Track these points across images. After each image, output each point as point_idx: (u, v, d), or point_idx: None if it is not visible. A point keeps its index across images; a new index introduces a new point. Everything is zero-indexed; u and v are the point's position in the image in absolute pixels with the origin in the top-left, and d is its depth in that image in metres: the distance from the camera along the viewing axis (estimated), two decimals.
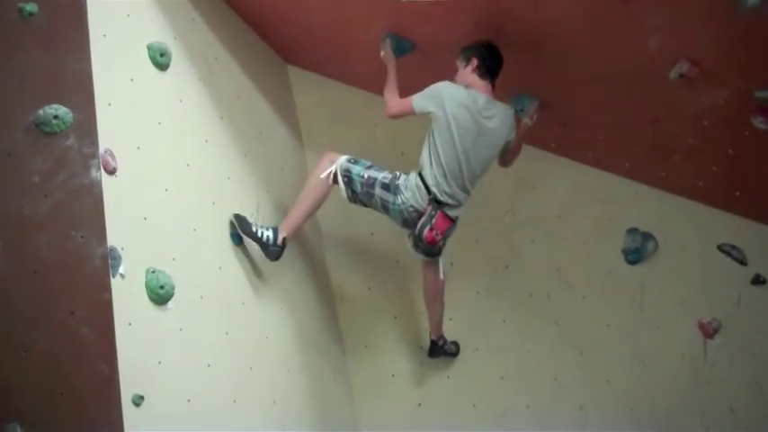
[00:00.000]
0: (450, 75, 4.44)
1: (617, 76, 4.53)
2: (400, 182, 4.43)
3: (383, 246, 5.26)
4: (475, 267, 5.33)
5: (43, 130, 3.40)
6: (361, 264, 5.34)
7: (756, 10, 3.79)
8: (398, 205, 4.41)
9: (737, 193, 4.98)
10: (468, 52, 4.42)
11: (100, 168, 3.43)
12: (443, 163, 4.33)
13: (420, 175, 4.40)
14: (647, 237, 5.22)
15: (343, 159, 4.52)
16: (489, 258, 5.35)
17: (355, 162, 4.52)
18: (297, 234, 4.58)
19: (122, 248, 3.40)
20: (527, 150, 5.23)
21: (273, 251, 4.36)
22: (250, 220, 4.36)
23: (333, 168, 4.48)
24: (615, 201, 5.28)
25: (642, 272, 5.24)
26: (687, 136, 4.76)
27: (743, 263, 5.12)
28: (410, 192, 4.39)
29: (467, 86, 4.39)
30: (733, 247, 5.16)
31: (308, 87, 5.50)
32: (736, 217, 5.15)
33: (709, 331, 5.10)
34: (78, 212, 3.36)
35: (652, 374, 5.12)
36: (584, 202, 5.32)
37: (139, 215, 3.64)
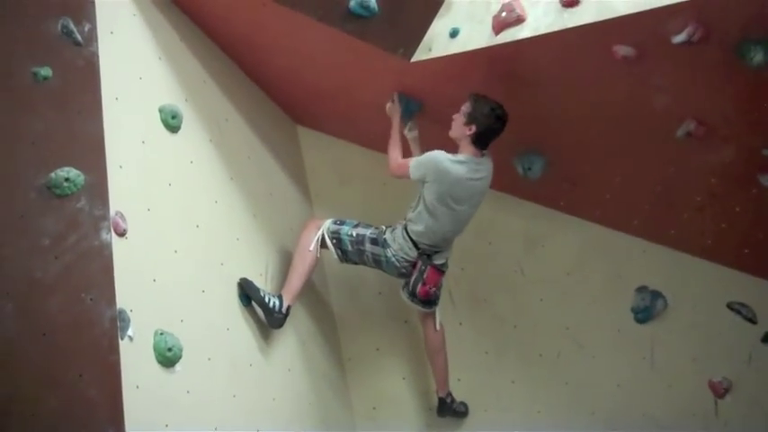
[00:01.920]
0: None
1: (624, 135, 4.57)
2: (387, 236, 4.54)
3: (391, 306, 5.24)
4: (483, 327, 5.29)
5: (54, 193, 3.43)
6: (369, 324, 5.31)
7: (762, 68, 3.83)
8: (390, 258, 4.51)
9: (746, 251, 4.97)
10: (474, 114, 4.35)
11: (110, 230, 3.45)
12: (434, 225, 4.43)
13: (406, 229, 4.50)
14: (656, 295, 5.19)
15: (329, 223, 4.64)
16: (498, 318, 5.32)
17: (342, 223, 4.63)
18: (301, 296, 4.62)
19: (131, 310, 3.40)
20: (535, 209, 5.29)
21: (278, 319, 4.38)
22: (258, 284, 4.37)
23: (319, 234, 4.60)
24: (624, 259, 5.26)
25: (652, 330, 5.20)
26: (695, 194, 4.77)
27: (753, 321, 5.08)
28: (398, 244, 4.50)
29: (458, 150, 4.44)
30: (742, 305, 5.12)
31: (317, 147, 5.53)
32: (745, 275, 5.12)
33: (719, 390, 5.04)
34: (88, 275, 3.37)
35: None
36: (593, 261, 5.30)
37: (149, 277, 3.65)
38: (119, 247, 3.45)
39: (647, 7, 3.73)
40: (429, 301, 4.67)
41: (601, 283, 5.29)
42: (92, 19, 3.63)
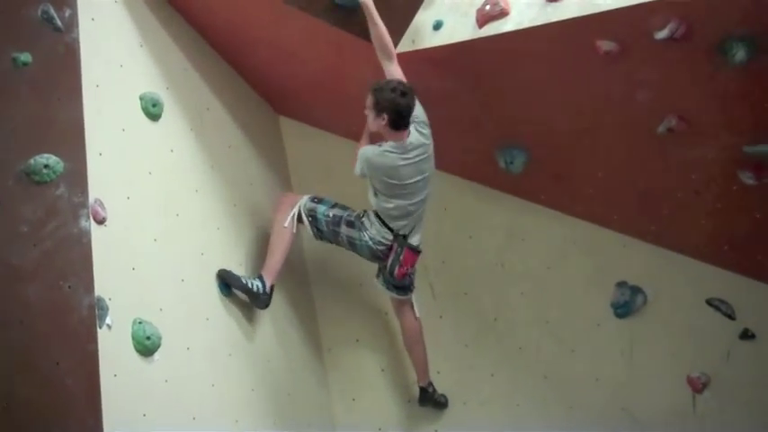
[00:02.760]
0: (445, 128, 4.46)
1: (606, 131, 4.58)
2: (365, 219, 4.52)
3: (371, 297, 5.23)
4: (464, 320, 5.29)
5: (33, 180, 3.41)
6: (349, 315, 5.30)
7: (744, 66, 3.85)
8: (365, 242, 4.51)
9: (726, 248, 4.99)
10: (380, 104, 4.22)
11: (89, 218, 3.44)
12: (389, 206, 4.43)
13: (376, 213, 4.50)
14: (635, 290, 5.21)
15: (305, 199, 4.62)
16: (478, 311, 5.31)
17: (319, 201, 4.62)
18: (281, 281, 4.62)
19: (110, 299, 3.39)
20: (516, 203, 5.29)
21: (264, 299, 4.41)
22: (237, 272, 4.37)
23: (294, 211, 4.57)
24: (605, 254, 5.27)
25: (631, 325, 5.20)
26: (676, 190, 4.78)
27: (732, 317, 5.10)
28: (375, 228, 4.48)
29: (382, 140, 4.39)
30: (722, 301, 5.14)
31: (299, 138, 5.52)
32: (724, 271, 5.13)
33: (697, 386, 5.06)
34: (66, 262, 3.36)
35: (641, 429, 5.07)
36: (573, 255, 5.31)
37: (128, 265, 3.64)
38: (98, 235, 3.44)
39: (630, 3, 3.75)
40: (404, 287, 4.70)
41: (581, 277, 5.30)
42: (72, 5, 3.62)
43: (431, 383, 4.99)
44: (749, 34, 3.80)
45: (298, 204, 4.60)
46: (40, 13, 3.57)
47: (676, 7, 3.73)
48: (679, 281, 5.20)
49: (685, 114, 4.30)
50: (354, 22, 4.27)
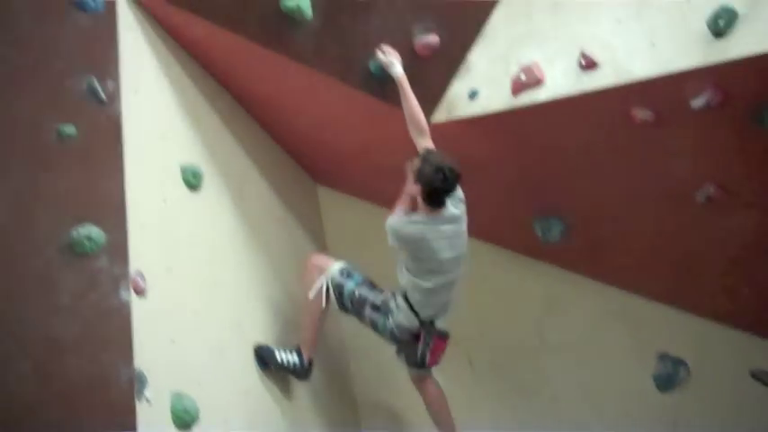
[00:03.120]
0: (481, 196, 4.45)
1: (644, 199, 4.55)
2: (392, 303, 4.37)
3: None
4: (501, 393, 5.21)
5: (76, 251, 3.44)
6: (388, 392, 5.21)
7: None
8: (389, 327, 4.38)
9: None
10: (420, 173, 4.10)
11: (129, 290, 3.45)
12: (421, 285, 4.25)
13: (405, 296, 4.34)
14: (678, 362, 5.11)
15: (335, 272, 4.46)
16: (516, 384, 5.24)
17: (348, 276, 4.46)
18: (320, 355, 4.56)
19: (148, 371, 3.38)
20: (555, 272, 5.24)
21: (302, 373, 4.36)
22: (274, 346, 4.34)
23: (322, 284, 4.41)
24: (645, 324, 5.19)
25: (674, 399, 5.10)
26: (716, 258, 4.72)
27: None
28: (402, 314, 4.34)
29: (411, 209, 4.26)
30: (766, 372, 5.03)
31: (337, 207, 5.55)
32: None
33: None
34: (107, 334, 3.36)
35: None
36: (613, 326, 5.23)
37: (167, 338, 3.63)
38: (138, 307, 3.45)
39: (666, 72, 3.77)
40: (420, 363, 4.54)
41: (622, 349, 5.21)
42: (116, 77, 3.69)
43: None
44: None
45: (326, 276, 4.45)
46: (84, 85, 3.64)
47: (712, 76, 3.73)
48: (722, 352, 5.09)
49: (723, 183, 4.27)
50: (390, 91, 4.31)
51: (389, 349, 5.04)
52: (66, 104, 3.58)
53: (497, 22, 4.32)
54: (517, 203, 4.69)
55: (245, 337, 4.22)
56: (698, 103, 3.86)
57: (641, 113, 4.06)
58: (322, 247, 5.46)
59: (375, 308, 4.40)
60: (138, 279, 3.52)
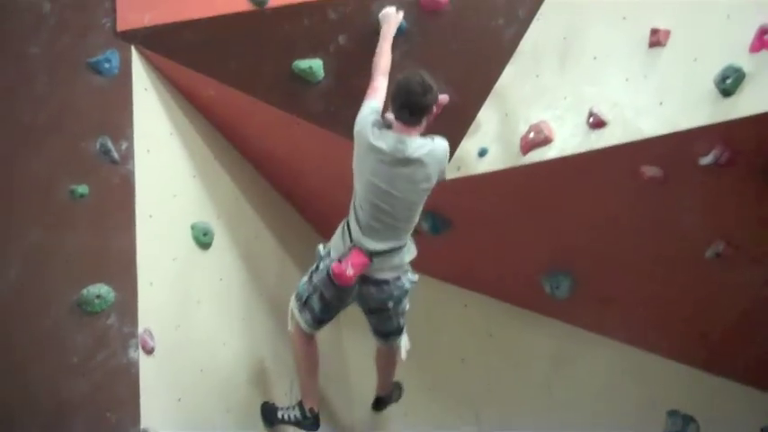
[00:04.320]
0: (490, 252, 4.44)
1: (653, 255, 4.54)
2: (324, 251, 4.10)
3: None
4: None
5: (85, 310, 3.45)
6: None
7: None
8: (322, 271, 4.00)
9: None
10: (393, 88, 3.89)
11: (138, 348, 3.45)
12: (361, 208, 3.92)
13: (346, 224, 4.05)
14: (688, 419, 5.05)
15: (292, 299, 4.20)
16: None
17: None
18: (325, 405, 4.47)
19: (156, 431, 3.34)
20: (563, 328, 5.21)
21: (308, 425, 4.22)
22: (276, 405, 4.27)
23: (290, 307, 4.16)
24: (655, 381, 5.14)
25: None
26: (726, 315, 4.69)
27: None
28: (333, 245, 4.03)
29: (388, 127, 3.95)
30: None
31: None
32: None
33: None
34: (114, 393, 3.37)
35: None
36: (623, 383, 5.18)
37: (174, 396, 3.63)
38: (146, 365, 3.45)
39: (674, 130, 3.79)
40: (389, 332, 4.23)
41: (631, 406, 5.15)
42: (129, 137, 3.74)
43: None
44: None
45: (289, 307, 4.18)
46: (98, 145, 3.69)
47: (720, 134, 3.76)
48: (732, 409, 5.04)
49: (733, 239, 4.27)
50: None
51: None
52: (79, 164, 3.63)
53: (507, 81, 4.35)
54: (526, 259, 4.68)
55: (252, 395, 4.20)
56: (706, 160, 3.88)
57: (650, 171, 4.08)
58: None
59: (316, 267, 4.09)
60: (147, 338, 3.52)
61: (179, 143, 4.12)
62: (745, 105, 3.61)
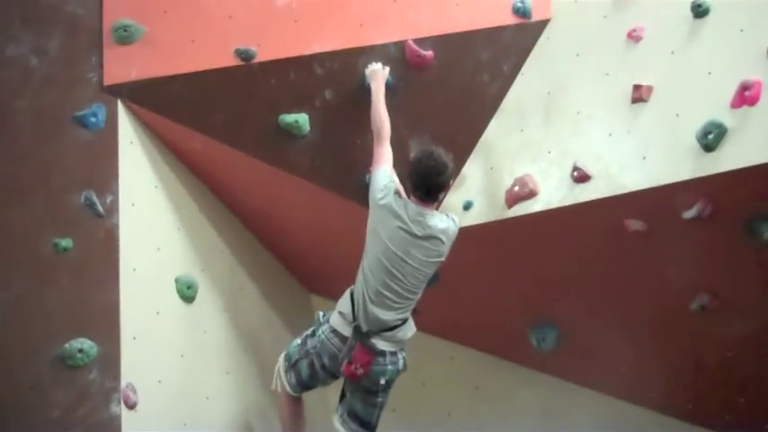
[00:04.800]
0: (475, 305, 4.44)
1: (637, 307, 4.54)
2: (323, 318, 4.09)
3: None
4: None
5: (67, 364, 3.44)
6: None
7: None
8: (322, 338, 3.97)
9: (766, 426, 4.85)
10: (410, 164, 3.98)
11: (120, 403, 3.43)
12: (372, 274, 3.94)
13: (351, 291, 4.06)
14: None
15: (281, 358, 4.19)
16: None
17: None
18: None
19: None
20: (549, 381, 5.19)
21: None
22: None
23: (278, 367, 4.13)
24: None
25: None
26: (711, 367, 4.69)
27: None
28: (334, 316, 4.02)
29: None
30: None
31: None
32: None
33: None
34: None
35: None
36: None
37: None
38: (128, 420, 3.44)
39: (657, 184, 3.82)
40: (369, 423, 4.12)
41: None
42: (114, 191, 3.76)
43: None
44: None
45: (277, 365, 4.15)
46: (83, 199, 3.69)
47: (702, 188, 3.79)
48: None
49: (717, 292, 4.28)
50: None
51: None
52: (64, 218, 3.64)
53: (492, 135, 4.40)
54: (512, 312, 4.68)
55: None
56: (690, 214, 3.92)
57: (634, 224, 4.10)
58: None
59: (312, 334, 4.07)
60: (129, 392, 3.50)
61: (164, 196, 4.12)
62: (726, 160, 3.65)
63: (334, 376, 4.06)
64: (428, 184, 3.88)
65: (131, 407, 3.48)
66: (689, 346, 4.66)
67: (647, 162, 3.89)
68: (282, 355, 4.13)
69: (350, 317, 3.95)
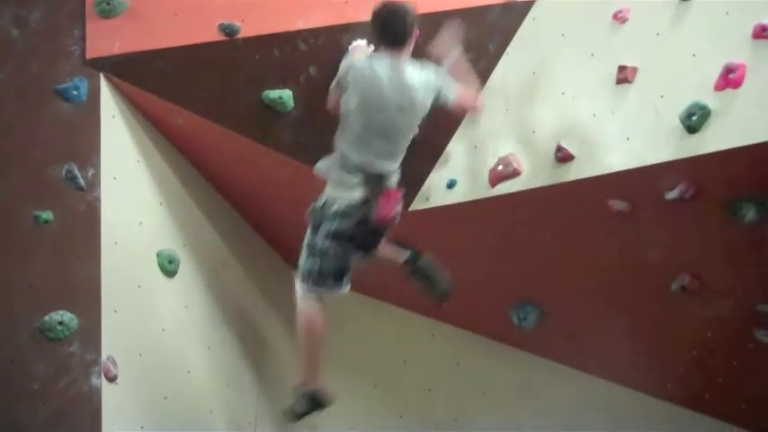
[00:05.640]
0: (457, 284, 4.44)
1: (619, 288, 4.57)
2: (318, 202, 3.95)
3: None
4: None
5: (47, 336, 3.44)
6: None
7: (754, 225, 3.89)
8: (334, 211, 3.83)
9: (744, 406, 4.89)
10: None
11: (101, 376, 3.43)
12: (356, 134, 3.85)
13: (341, 158, 3.90)
14: None
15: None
16: None
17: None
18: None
19: None
20: (530, 359, 5.22)
21: (312, 405, 3.94)
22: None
23: (297, 287, 4.02)
24: (621, 412, 5.14)
25: None
26: (691, 348, 4.73)
27: None
28: (332, 187, 3.88)
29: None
30: None
31: None
32: (743, 430, 5.03)
33: None
34: (76, 421, 3.37)
35: None
36: (589, 413, 5.18)
37: (137, 424, 3.62)
38: (108, 393, 3.45)
39: (640, 165, 3.83)
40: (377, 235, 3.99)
41: None
42: (96, 165, 3.75)
43: None
44: (758, 195, 3.87)
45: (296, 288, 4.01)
46: (64, 172, 3.68)
47: (685, 169, 3.81)
48: None
49: (698, 273, 4.31)
50: None
51: None
52: (44, 191, 3.63)
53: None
54: (493, 291, 4.70)
55: (216, 423, 4.18)
56: (672, 195, 3.94)
57: (617, 204, 4.12)
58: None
59: (314, 217, 3.92)
60: (110, 365, 3.51)
61: (146, 171, 4.12)
62: (710, 142, 3.66)
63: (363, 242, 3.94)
64: (394, 27, 3.84)
65: (112, 379, 3.49)
66: (670, 326, 4.69)
67: (631, 143, 3.89)
68: (297, 282, 4.00)
69: (354, 175, 3.82)
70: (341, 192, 3.84)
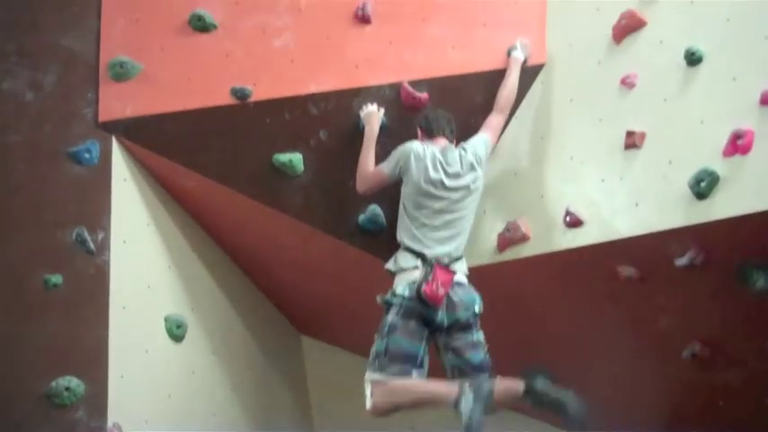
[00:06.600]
0: None
1: (628, 353, 4.53)
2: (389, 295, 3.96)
3: None
4: None
5: (54, 402, 3.42)
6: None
7: (765, 293, 3.86)
8: (400, 299, 3.86)
9: None
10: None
11: None
12: (417, 218, 3.96)
13: (402, 249, 3.99)
14: None
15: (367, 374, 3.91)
16: None
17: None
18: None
19: None
20: (541, 425, 5.15)
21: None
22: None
23: (367, 387, 3.85)
24: None
25: None
26: (703, 415, 4.65)
27: None
28: (397, 281, 3.93)
29: None
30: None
31: (321, 358, 5.48)
32: None
33: None
34: None
35: None
36: None
37: None
38: None
39: (649, 231, 3.82)
40: (479, 365, 4.00)
41: None
42: (106, 228, 3.76)
43: None
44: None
45: (366, 381, 3.86)
46: (74, 235, 3.68)
47: (695, 236, 3.79)
48: None
49: (709, 340, 4.27)
50: (378, 244, 4.35)
51: None
52: (54, 254, 3.64)
53: (485, 178, 4.40)
54: (502, 358, 4.64)
55: None
56: (682, 262, 3.90)
57: (626, 271, 4.09)
58: (304, 396, 5.37)
59: (387, 311, 3.92)
60: None
61: (156, 234, 4.13)
62: (719, 208, 3.65)
63: (431, 324, 3.88)
64: (447, 119, 4.13)
65: None
66: (682, 393, 4.64)
67: (640, 208, 3.89)
68: (368, 371, 3.88)
69: (413, 262, 3.90)
70: (404, 275, 3.93)
